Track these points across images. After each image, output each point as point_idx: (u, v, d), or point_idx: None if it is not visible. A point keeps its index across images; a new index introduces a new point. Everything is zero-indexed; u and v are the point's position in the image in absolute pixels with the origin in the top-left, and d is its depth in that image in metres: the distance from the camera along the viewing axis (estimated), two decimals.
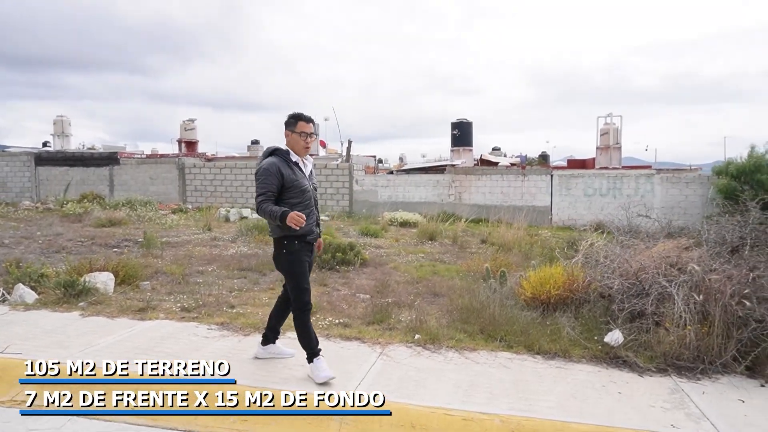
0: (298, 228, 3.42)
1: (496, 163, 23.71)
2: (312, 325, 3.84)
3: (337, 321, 5.15)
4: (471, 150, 25.63)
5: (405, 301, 6.02)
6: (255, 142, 37.09)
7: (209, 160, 25.24)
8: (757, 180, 15.79)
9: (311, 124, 3.75)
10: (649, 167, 22.71)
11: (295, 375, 3.80)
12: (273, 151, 3.72)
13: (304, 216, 3.44)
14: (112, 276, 6.10)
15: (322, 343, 4.42)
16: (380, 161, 36.43)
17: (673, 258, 4.70)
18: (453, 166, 20.85)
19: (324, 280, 7.10)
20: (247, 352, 4.22)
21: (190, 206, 19.79)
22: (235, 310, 5.45)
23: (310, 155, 3.94)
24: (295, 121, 3.70)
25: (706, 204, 17.58)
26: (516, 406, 3.39)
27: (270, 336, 4.12)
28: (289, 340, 4.33)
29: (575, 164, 27.35)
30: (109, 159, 22.47)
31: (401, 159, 37.32)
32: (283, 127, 3.78)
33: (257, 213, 3.61)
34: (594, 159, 26.74)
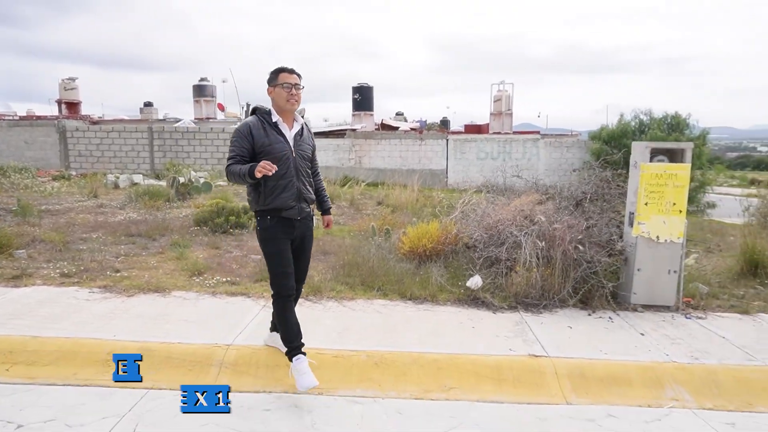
0: (270, 173, 2.97)
1: (396, 128, 24.27)
2: (294, 315, 3.32)
3: (224, 279, 5.32)
4: (372, 114, 25.97)
5: None
6: (148, 104, 34.84)
7: (95, 123, 23.55)
8: (623, 144, 17.63)
9: (295, 75, 3.25)
10: (537, 132, 24.38)
11: (174, 329, 3.96)
12: (253, 111, 3.33)
13: (273, 165, 2.97)
14: None
15: (208, 300, 4.66)
16: None
17: (527, 211, 5.35)
18: (353, 130, 21.11)
19: (217, 243, 7.17)
20: (129, 312, 4.31)
21: (74, 173, 18.49)
22: (119, 274, 5.43)
23: (301, 117, 3.46)
24: (275, 74, 3.25)
25: (583, 166, 19.23)
26: (382, 343, 3.82)
27: (272, 326, 3.64)
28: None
29: (472, 129, 28.67)
30: None
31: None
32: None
33: (228, 179, 3.20)
34: (488, 125, 28.13)
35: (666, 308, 4.87)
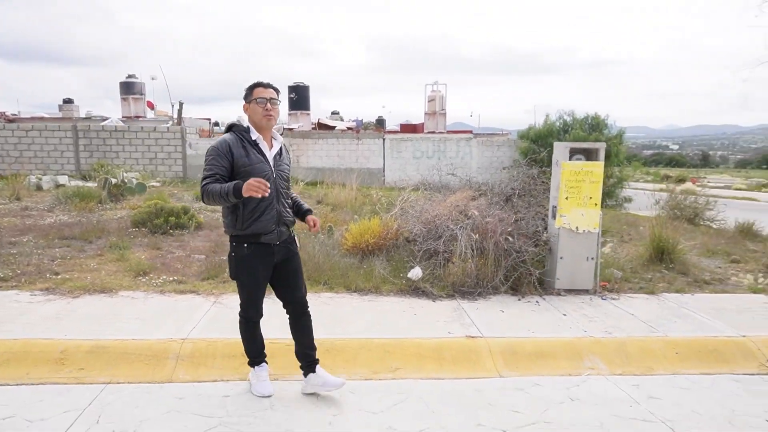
0: (266, 195, 2.79)
1: (333, 127, 24.41)
2: (261, 333, 3.37)
3: (171, 279, 5.37)
4: (308, 114, 25.97)
5: None
6: (68, 101, 33.05)
7: (10, 120, 22.14)
8: (549, 143, 18.69)
9: (271, 89, 3.09)
10: (470, 132, 25.28)
11: (126, 327, 4.03)
12: (230, 127, 3.16)
13: (266, 183, 2.78)
14: None
15: (157, 299, 4.74)
16: (216, 124, 35.00)
17: (461, 206, 5.76)
18: (290, 129, 21.09)
19: (157, 243, 7.13)
20: (77, 312, 4.31)
21: None
22: (60, 276, 5.35)
23: (280, 135, 3.31)
24: (250, 90, 3.09)
25: (512, 164, 20.10)
26: (331, 332, 4.07)
27: (303, 365, 3.36)
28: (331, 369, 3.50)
29: (407, 129, 29.27)
30: None
31: (239, 122, 36.22)
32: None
33: (203, 200, 2.95)
34: (423, 124, 28.82)
35: (585, 291, 5.42)
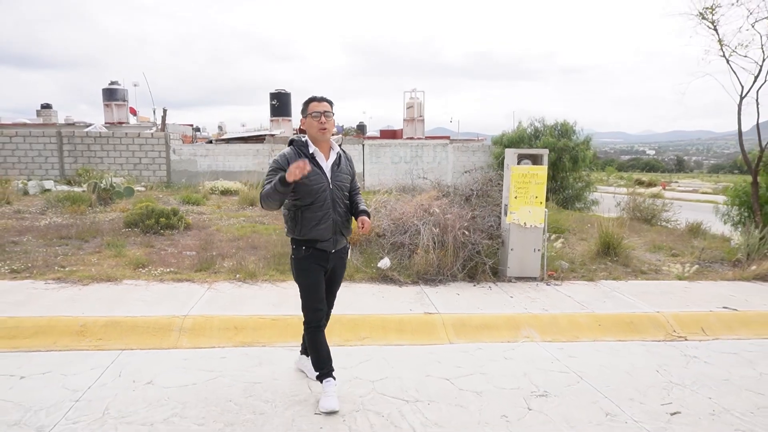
0: (306, 174, 2.93)
1: None
2: (325, 342, 3.39)
3: (168, 270, 6.03)
4: (290, 120, 26.63)
5: (228, 253, 7.07)
6: (46, 107, 33.17)
7: None
8: (521, 148, 19.54)
9: (325, 103, 3.22)
10: (447, 138, 26.16)
11: (134, 307, 4.70)
12: (290, 142, 3.30)
13: (306, 162, 2.94)
14: None
15: (158, 286, 5.40)
16: (197, 129, 35.45)
17: (425, 205, 6.53)
18: (272, 135, 21.75)
19: (150, 242, 7.76)
20: (89, 296, 4.96)
21: None
22: (67, 269, 5.97)
23: (339, 146, 3.38)
24: (306, 105, 3.24)
25: (488, 168, 20.86)
26: None
27: (302, 346, 3.77)
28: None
29: (387, 134, 30.09)
30: None
31: (220, 128, 36.78)
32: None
33: (261, 205, 3.16)
34: (402, 130, 29.65)
35: (533, 279, 6.22)
